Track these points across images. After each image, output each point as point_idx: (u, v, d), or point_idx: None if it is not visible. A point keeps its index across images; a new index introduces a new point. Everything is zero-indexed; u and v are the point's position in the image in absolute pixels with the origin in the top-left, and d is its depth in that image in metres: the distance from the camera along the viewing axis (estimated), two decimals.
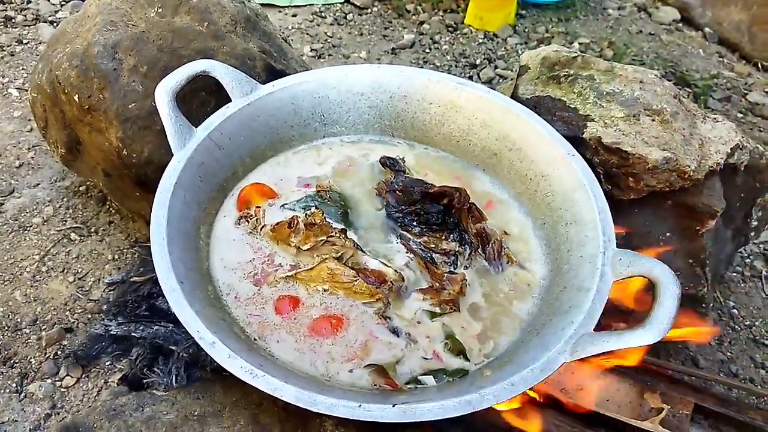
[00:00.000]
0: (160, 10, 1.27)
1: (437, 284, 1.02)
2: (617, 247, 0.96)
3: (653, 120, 1.12)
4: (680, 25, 2.54)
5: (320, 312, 0.98)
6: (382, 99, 1.24)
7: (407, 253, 1.07)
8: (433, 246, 1.07)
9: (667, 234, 1.17)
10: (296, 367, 0.91)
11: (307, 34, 2.30)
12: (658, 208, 1.17)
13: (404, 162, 1.20)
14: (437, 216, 1.09)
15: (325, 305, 0.99)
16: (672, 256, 1.18)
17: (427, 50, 2.28)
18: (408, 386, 0.90)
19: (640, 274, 0.91)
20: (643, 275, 0.90)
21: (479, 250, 1.07)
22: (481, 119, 1.19)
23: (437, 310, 1.00)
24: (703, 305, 1.23)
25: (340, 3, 2.45)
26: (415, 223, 1.10)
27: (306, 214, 1.07)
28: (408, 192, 1.11)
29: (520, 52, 2.28)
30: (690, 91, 2.13)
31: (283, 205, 1.12)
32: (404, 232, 1.09)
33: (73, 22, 1.32)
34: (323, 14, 2.41)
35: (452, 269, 1.05)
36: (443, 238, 1.08)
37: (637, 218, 1.17)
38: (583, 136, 1.11)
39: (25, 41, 2.12)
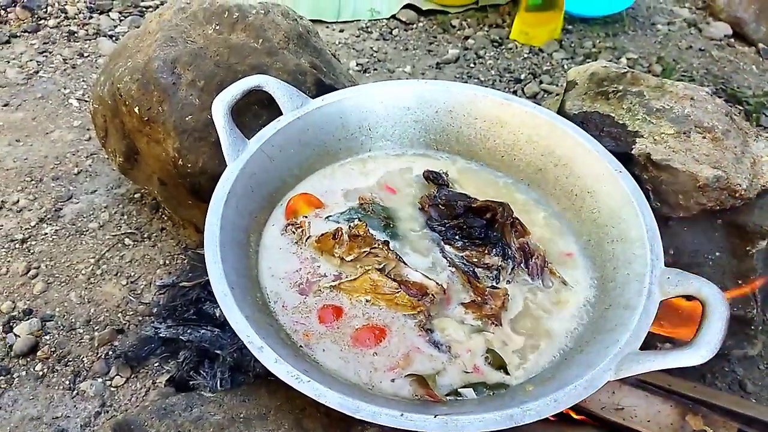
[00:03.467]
0: (217, 27, 1.32)
1: (479, 298, 1.02)
2: (665, 265, 0.95)
3: (704, 137, 1.11)
4: (732, 40, 2.48)
5: (363, 322, 1.00)
6: (428, 114, 1.26)
7: (449, 266, 1.08)
8: (476, 260, 1.08)
9: (717, 253, 1.15)
10: (341, 375, 0.92)
11: (354, 49, 2.34)
12: (708, 226, 1.15)
13: (447, 176, 1.21)
14: (480, 230, 1.10)
15: (368, 315, 1.01)
16: (721, 276, 1.15)
17: (472, 65, 2.29)
18: (448, 398, 0.91)
19: (688, 294, 0.89)
20: (692, 295, 0.89)
21: (522, 265, 1.07)
22: (527, 134, 1.20)
23: (479, 324, 1.00)
24: (752, 327, 1.20)
25: (386, 18, 2.48)
26: (457, 237, 1.11)
27: (350, 225, 1.09)
28: (451, 206, 1.13)
29: (565, 67, 2.27)
30: (741, 108, 2.08)
31: (327, 217, 1.15)
32: (446, 246, 1.10)
33: (134, 37, 1.38)
34: (369, 30, 2.44)
35: (494, 284, 1.06)
36: (486, 252, 1.08)
37: (686, 237, 1.15)
38: (632, 152, 1.10)
39: (85, 54, 2.22)
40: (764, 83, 2.23)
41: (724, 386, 1.31)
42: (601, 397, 1.11)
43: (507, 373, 0.95)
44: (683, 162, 1.06)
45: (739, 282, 1.16)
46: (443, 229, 1.12)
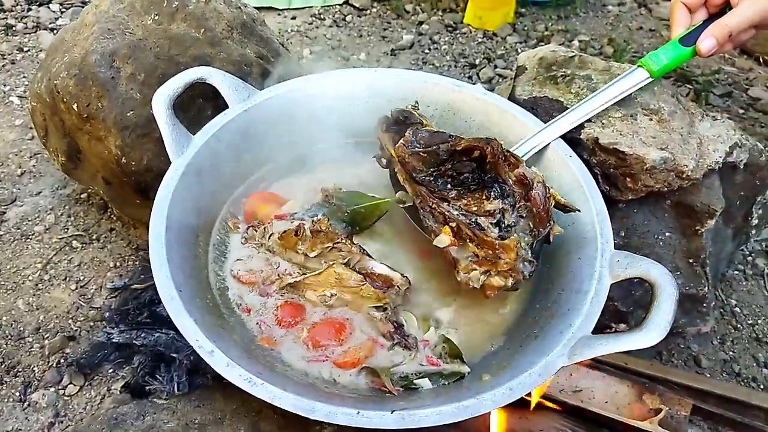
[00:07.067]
0: (156, 18, 1.27)
1: (490, 253, 0.92)
2: (616, 247, 0.96)
3: (651, 119, 1.12)
4: None
5: (323, 318, 1.00)
6: (380, 103, 1.23)
7: (450, 222, 0.96)
8: (476, 209, 0.95)
9: (666, 234, 1.17)
10: (305, 372, 0.92)
11: (307, 36, 2.30)
12: (657, 208, 1.16)
13: (418, 108, 1.12)
14: (472, 175, 0.98)
15: (329, 313, 1.00)
16: (671, 256, 1.17)
17: (427, 50, 2.28)
18: (402, 389, 0.91)
19: (637, 276, 0.91)
20: (641, 277, 0.90)
21: (524, 201, 0.95)
22: (479, 121, 1.19)
23: (498, 279, 0.93)
24: (704, 305, 1.22)
25: (339, 4, 2.45)
26: (449, 186, 0.99)
27: (312, 221, 1.06)
28: (433, 152, 1.00)
29: (519, 50, 2.27)
30: (690, 87, 2.12)
31: (292, 215, 1.12)
32: (439, 200, 0.98)
33: (71, 30, 1.33)
34: (322, 16, 2.41)
35: (500, 232, 0.94)
36: (484, 197, 0.96)
37: (636, 218, 1.17)
38: (580, 136, 1.10)
39: (25, 49, 2.13)
40: (712, 62, 2.27)
41: (680, 362, 1.34)
42: (559, 379, 1.12)
43: (463, 362, 0.95)
44: (630, 145, 1.07)
45: (690, 261, 1.19)
46: (431, 179, 0.99)
